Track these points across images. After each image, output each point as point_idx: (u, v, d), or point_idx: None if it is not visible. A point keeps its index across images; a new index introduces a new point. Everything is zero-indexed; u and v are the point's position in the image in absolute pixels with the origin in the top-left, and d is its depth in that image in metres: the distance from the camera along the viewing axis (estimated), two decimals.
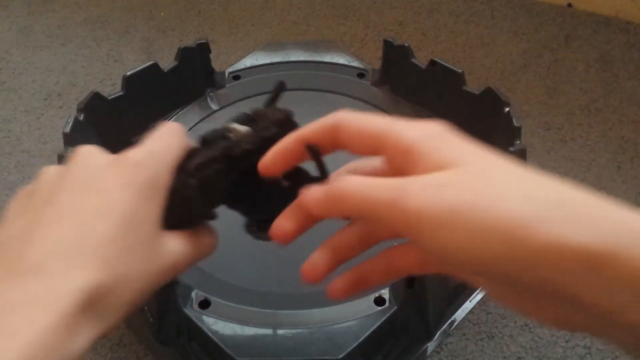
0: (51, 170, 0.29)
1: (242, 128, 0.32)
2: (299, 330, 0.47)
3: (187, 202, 0.30)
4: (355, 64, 0.73)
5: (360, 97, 0.69)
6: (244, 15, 0.92)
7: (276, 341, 0.46)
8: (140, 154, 0.29)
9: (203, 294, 0.50)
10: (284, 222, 0.30)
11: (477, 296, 0.56)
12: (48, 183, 0.28)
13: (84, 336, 0.24)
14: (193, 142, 0.32)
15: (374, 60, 0.78)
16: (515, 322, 0.55)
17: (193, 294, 0.50)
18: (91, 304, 0.24)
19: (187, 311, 0.48)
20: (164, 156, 0.29)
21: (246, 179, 0.33)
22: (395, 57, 0.67)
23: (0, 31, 0.91)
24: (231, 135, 0.32)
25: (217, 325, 0.48)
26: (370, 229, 0.30)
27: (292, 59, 0.73)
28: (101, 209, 0.26)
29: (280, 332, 0.47)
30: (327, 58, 0.73)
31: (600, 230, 0.22)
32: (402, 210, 0.24)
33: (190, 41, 0.68)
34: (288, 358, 0.45)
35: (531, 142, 0.71)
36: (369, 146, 0.28)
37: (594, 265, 0.21)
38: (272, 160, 0.30)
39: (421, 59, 0.66)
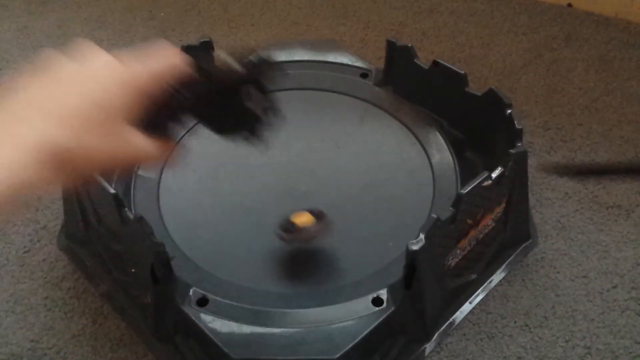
0: (67, 63, 0.36)
1: (225, 61, 0.39)
2: (296, 330, 0.47)
3: (159, 107, 0.37)
4: (358, 64, 0.72)
5: (362, 97, 0.69)
6: (244, 16, 0.92)
7: (273, 340, 0.46)
8: (137, 67, 0.36)
9: (201, 291, 0.50)
10: None
11: (477, 298, 0.56)
12: (69, 68, 0.36)
13: (36, 173, 0.31)
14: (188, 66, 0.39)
15: (374, 61, 0.78)
16: (515, 322, 0.55)
17: (191, 292, 0.50)
18: (50, 152, 0.32)
19: (185, 308, 0.48)
20: (154, 71, 0.37)
21: (211, 101, 0.40)
22: (398, 57, 0.67)
23: (0, 31, 0.91)
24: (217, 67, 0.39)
25: (214, 323, 0.47)
26: None
27: (296, 58, 0.73)
28: (87, 94, 0.34)
29: (277, 330, 0.47)
30: (331, 58, 0.73)
31: None
32: None
33: (190, 41, 0.68)
34: (284, 357, 0.45)
35: (531, 142, 0.71)
36: None
37: None
38: None
39: (421, 59, 0.66)
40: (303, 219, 0.52)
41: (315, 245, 0.54)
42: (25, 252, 0.62)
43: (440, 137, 0.64)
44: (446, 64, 0.63)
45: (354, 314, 0.48)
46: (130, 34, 0.89)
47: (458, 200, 0.49)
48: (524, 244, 0.60)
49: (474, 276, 0.56)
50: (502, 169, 0.52)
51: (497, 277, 0.58)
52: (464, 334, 0.54)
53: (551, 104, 0.76)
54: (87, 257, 0.60)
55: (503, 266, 0.58)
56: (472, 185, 0.49)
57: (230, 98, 0.40)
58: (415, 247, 0.45)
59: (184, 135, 0.65)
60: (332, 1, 0.94)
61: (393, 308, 0.48)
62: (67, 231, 0.62)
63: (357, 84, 0.70)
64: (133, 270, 0.53)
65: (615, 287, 0.58)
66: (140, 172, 0.62)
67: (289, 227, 0.51)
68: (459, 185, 0.59)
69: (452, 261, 0.53)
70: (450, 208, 0.49)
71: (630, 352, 0.53)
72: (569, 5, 0.89)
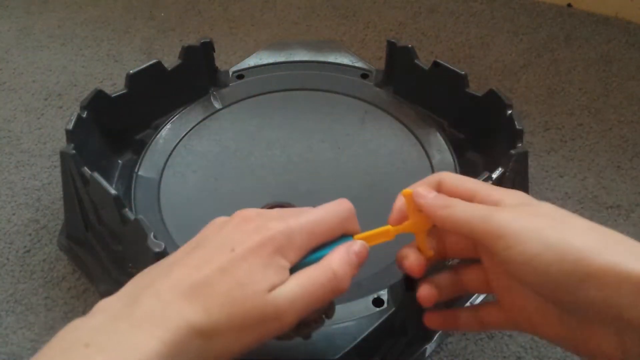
0: (217, 222, 0.36)
1: None
2: None
3: None
4: (359, 64, 0.72)
5: (363, 97, 0.69)
6: (244, 16, 0.92)
7: (273, 340, 0.46)
8: (280, 227, 0.34)
9: None
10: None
11: (478, 299, 0.56)
12: (208, 231, 0.35)
13: None
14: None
15: (374, 61, 0.78)
16: None
17: None
18: (192, 335, 0.30)
19: None
20: (300, 234, 0.35)
21: None
22: (398, 58, 0.67)
23: (0, 31, 0.91)
24: None
25: None
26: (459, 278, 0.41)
27: (296, 58, 0.73)
28: (224, 267, 0.32)
29: None
30: (331, 58, 0.73)
31: None
32: (491, 224, 0.32)
33: (190, 41, 0.68)
34: (285, 357, 0.45)
35: (531, 142, 0.71)
36: (465, 196, 0.36)
37: None
38: (396, 216, 0.41)
39: (421, 59, 0.66)
40: None
41: None
42: (25, 252, 0.62)
43: (441, 138, 0.64)
44: (446, 64, 0.63)
45: (354, 315, 0.48)
46: (130, 34, 0.89)
47: None
48: None
49: None
50: (503, 170, 0.52)
51: None
52: (464, 334, 0.54)
53: (551, 104, 0.76)
54: (88, 257, 0.60)
55: None
56: None
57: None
58: None
59: (184, 137, 0.66)
60: (332, 1, 0.94)
61: (394, 308, 0.48)
62: (67, 231, 0.62)
63: (358, 85, 0.70)
64: (134, 270, 0.53)
65: None
66: (140, 173, 0.62)
67: None
68: None
69: (453, 261, 0.53)
70: None
71: None
72: (569, 5, 0.90)
